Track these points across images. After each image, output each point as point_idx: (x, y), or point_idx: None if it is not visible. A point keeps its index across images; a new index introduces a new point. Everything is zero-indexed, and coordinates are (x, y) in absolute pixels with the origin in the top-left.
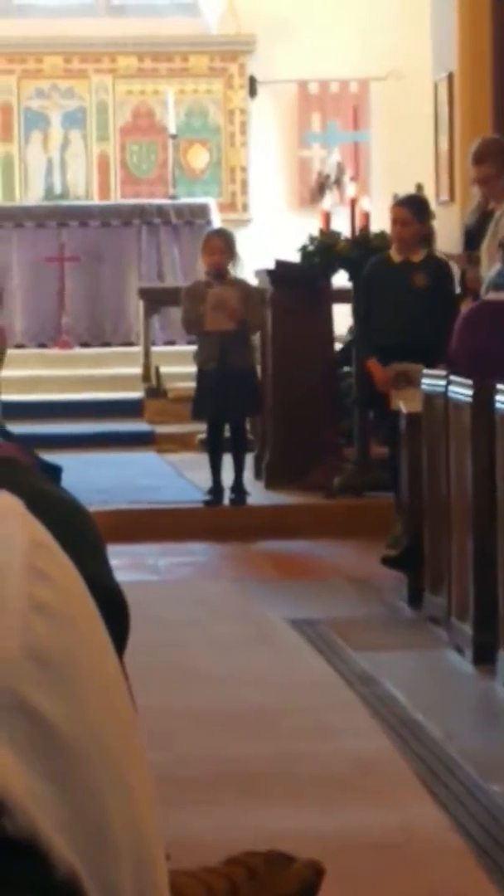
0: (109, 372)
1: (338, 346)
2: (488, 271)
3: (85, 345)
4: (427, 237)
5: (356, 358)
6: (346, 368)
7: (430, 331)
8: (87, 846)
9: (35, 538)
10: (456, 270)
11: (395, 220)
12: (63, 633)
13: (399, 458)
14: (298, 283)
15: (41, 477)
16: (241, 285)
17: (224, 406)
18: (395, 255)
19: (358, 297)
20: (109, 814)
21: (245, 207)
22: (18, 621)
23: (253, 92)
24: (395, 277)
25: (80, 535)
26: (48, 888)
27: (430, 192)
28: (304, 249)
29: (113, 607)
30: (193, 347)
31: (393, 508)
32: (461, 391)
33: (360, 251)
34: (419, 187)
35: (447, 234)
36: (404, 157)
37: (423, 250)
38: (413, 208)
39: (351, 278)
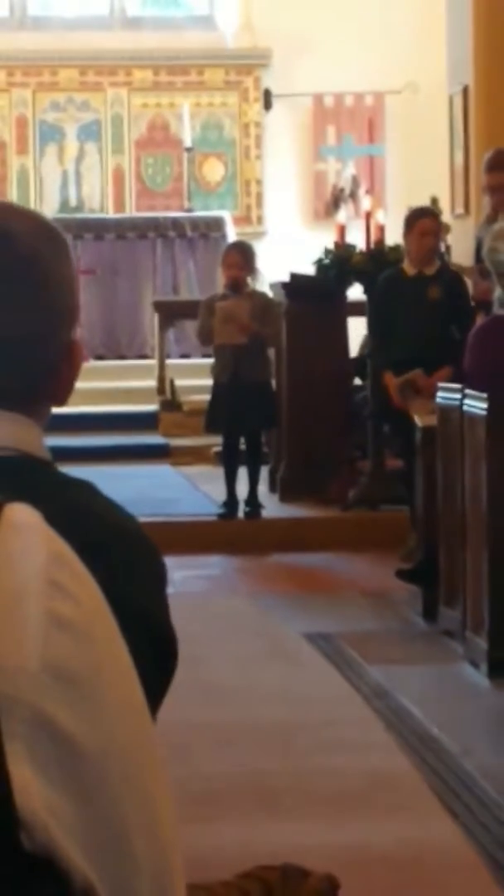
0: (124, 385)
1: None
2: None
3: (100, 357)
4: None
5: (372, 371)
6: (359, 381)
7: (444, 343)
8: (107, 861)
9: (54, 551)
10: (469, 283)
11: (426, 233)
12: (82, 648)
13: (414, 471)
14: (313, 296)
15: (105, 498)
16: (258, 298)
17: (238, 419)
18: (408, 268)
19: (372, 311)
20: (128, 828)
21: (260, 220)
22: (38, 636)
23: (268, 105)
24: (410, 290)
25: (144, 563)
26: None
27: (445, 206)
28: (319, 262)
29: (161, 643)
30: (209, 360)
31: (407, 521)
32: (476, 405)
33: (376, 264)
34: (434, 200)
35: (462, 247)
36: (419, 171)
37: (436, 263)
38: (438, 219)
39: (366, 291)
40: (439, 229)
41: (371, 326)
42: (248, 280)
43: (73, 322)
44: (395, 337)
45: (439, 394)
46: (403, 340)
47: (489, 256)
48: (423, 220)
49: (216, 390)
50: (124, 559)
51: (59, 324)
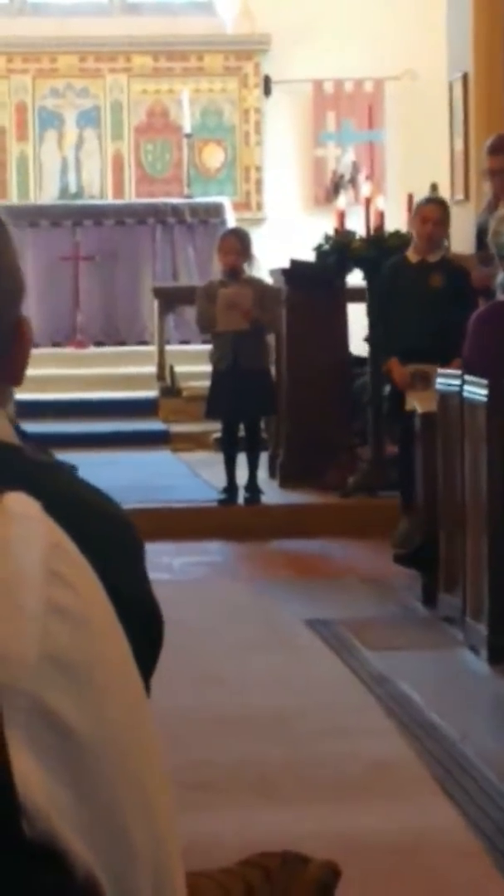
0: (124, 371)
1: (352, 344)
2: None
3: (100, 344)
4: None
5: (371, 358)
6: (359, 368)
7: (447, 331)
8: (106, 849)
9: (53, 540)
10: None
11: (428, 219)
12: (82, 637)
13: (408, 457)
14: (313, 283)
15: (81, 481)
16: (255, 284)
17: (238, 405)
18: (412, 255)
19: (374, 298)
20: (128, 817)
21: (260, 206)
22: (37, 625)
23: (268, 91)
24: (413, 278)
25: (120, 543)
26: (67, 892)
27: (444, 192)
28: (318, 249)
29: (145, 621)
30: (208, 347)
31: (399, 507)
32: (476, 391)
33: (375, 250)
34: (434, 187)
35: (462, 234)
36: (419, 157)
37: (439, 251)
38: (446, 209)
39: (366, 278)
40: (445, 218)
41: (374, 313)
42: (245, 266)
43: (19, 302)
44: (399, 324)
45: (439, 380)
46: (405, 327)
47: (494, 240)
48: (425, 207)
49: (216, 377)
50: (100, 537)
51: (5, 305)
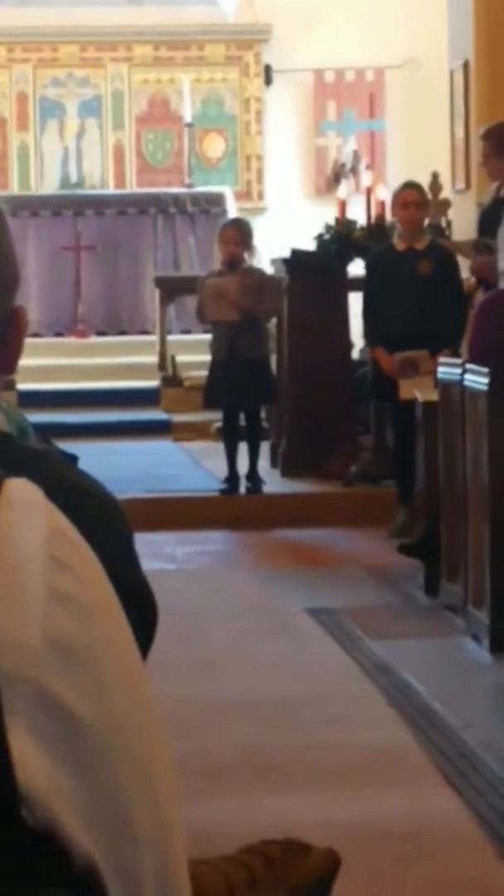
0: (125, 361)
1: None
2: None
3: (101, 334)
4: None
5: (366, 346)
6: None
7: (436, 318)
8: (107, 836)
9: (54, 526)
10: (463, 260)
11: (408, 204)
12: (84, 623)
13: (404, 448)
14: (314, 272)
15: (72, 467)
16: (254, 274)
17: (235, 395)
18: (399, 243)
19: (363, 286)
20: (131, 804)
21: (261, 196)
22: (39, 611)
23: (269, 80)
24: (400, 266)
25: (107, 528)
26: (67, 878)
27: (445, 181)
28: (319, 238)
29: (139, 604)
30: (209, 336)
31: (396, 497)
32: (477, 379)
33: (376, 239)
34: (435, 175)
35: (463, 222)
36: (420, 146)
37: (425, 237)
38: (422, 191)
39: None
40: (424, 201)
41: (362, 302)
42: (245, 256)
43: (14, 290)
44: (386, 312)
45: (440, 368)
46: (393, 315)
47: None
48: (404, 192)
49: (213, 367)
50: (93, 524)
51: (0, 294)
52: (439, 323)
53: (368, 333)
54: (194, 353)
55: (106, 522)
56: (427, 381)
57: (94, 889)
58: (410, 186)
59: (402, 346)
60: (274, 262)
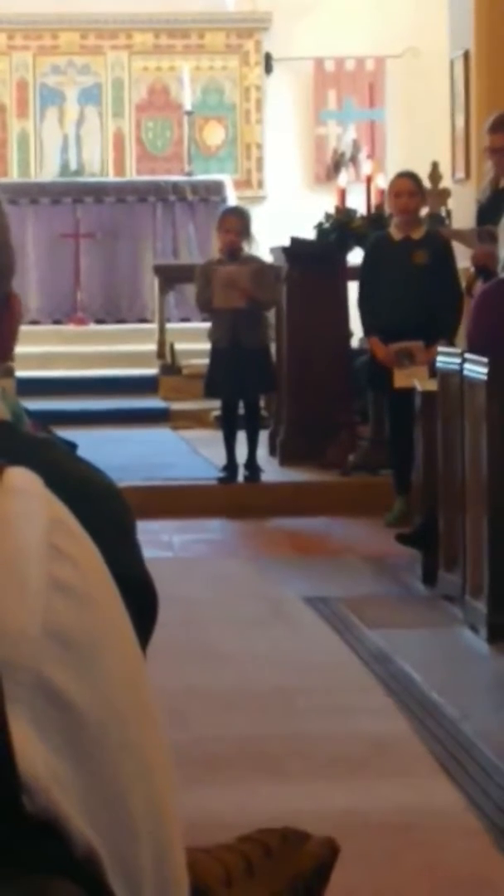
0: (124, 349)
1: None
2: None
3: (100, 321)
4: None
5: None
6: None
7: (431, 308)
8: (107, 825)
9: (54, 516)
10: (462, 250)
11: (401, 192)
12: (83, 612)
13: (399, 436)
14: (314, 261)
15: (73, 456)
16: (254, 263)
17: (237, 383)
18: (395, 232)
19: (359, 276)
20: (127, 793)
21: (260, 184)
22: (39, 601)
23: (269, 69)
24: (396, 255)
25: (108, 517)
26: (67, 867)
27: (445, 170)
28: (319, 227)
29: (138, 595)
30: (208, 325)
31: (393, 487)
32: (476, 369)
33: (376, 228)
34: (435, 165)
35: (463, 212)
36: (420, 135)
37: (422, 227)
38: (416, 180)
39: None
40: (418, 191)
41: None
42: (244, 245)
43: (9, 278)
44: (381, 301)
45: (439, 358)
46: (390, 305)
47: None
48: (396, 181)
49: (215, 355)
50: (94, 512)
51: None
52: (434, 313)
53: (364, 322)
54: (193, 342)
55: (107, 511)
56: (422, 370)
57: (95, 877)
58: (403, 176)
59: (397, 336)
60: (273, 250)
